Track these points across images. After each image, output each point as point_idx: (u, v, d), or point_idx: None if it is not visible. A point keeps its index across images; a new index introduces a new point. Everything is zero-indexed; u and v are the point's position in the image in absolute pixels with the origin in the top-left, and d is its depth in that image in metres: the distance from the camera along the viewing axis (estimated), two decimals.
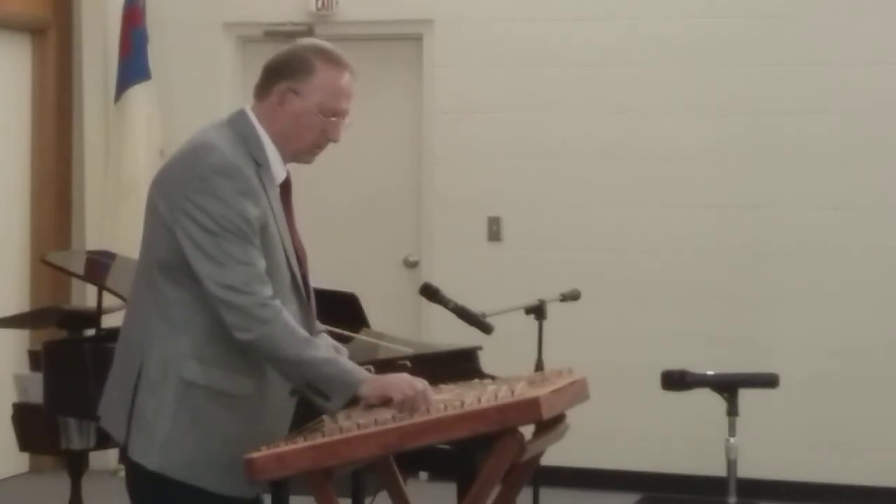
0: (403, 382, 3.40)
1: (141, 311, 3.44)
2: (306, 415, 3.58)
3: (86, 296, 7.36)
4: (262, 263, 3.35)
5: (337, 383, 3.34)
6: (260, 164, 3.43)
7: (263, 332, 3.30)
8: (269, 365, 3.38)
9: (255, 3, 7.94)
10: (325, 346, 3.43)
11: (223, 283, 3.30)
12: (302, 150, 3.52)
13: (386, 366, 4.65)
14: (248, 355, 3.35)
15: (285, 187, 3.54)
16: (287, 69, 3.48)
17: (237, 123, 3.47)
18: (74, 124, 7.97)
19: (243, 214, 3.33)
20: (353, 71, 3.60)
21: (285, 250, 3.46)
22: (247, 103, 3.55)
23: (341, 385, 3.35)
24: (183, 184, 3.36)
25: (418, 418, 3.31)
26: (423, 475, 6.24)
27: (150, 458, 3.37)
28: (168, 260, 3.37)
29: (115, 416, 3.47)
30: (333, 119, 3.52)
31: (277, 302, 3.34)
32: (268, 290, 3.33)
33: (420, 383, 3.40)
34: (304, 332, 3.36)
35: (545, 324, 5.22)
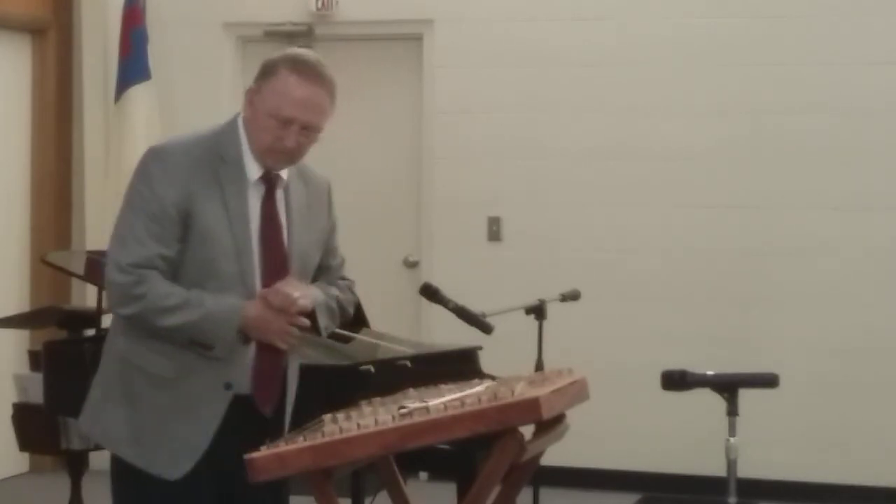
0: (274, 327, 3.58)
1: None
2: (306, 415, 3.58)
3: (86, 296, 7.36)
4: (160, 248, 3.53)
5: (214, 334, 3.54)
6: (225, 160, 3.59)
7: (138, 307, 3.53)
8: (153, 334, 3.57)
9: (255, 3, 7.94)
10: (197, 304, 3.53)
11: (114, 262, 3.54)
12: (260, 151, 3.61)
13: (386, 366, 4.67)
14: (134, 328, 3.58)
15: (268, 190, 3.66)
16: (260, 70, 3.63)
17: (225, 125, 3.68)
18: (74, 124, 7.97)
19: (159, 197, 3.52)
20: (328, 86, 3.66)
21: (237, 246, 3.58)
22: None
23: (218, 335, 3.54)
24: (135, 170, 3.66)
25: (418, 418, 3.30)
26: (423, 475, 6.24)
27: (84, 419, 3.76)
28: None
29: None
30: (281, 126, 3.57)
31: (153, 273, 3.52)
32: (151, 273, 3.52)
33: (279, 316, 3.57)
34: (177, 298, 3.52)
35: (545, 324, 5.22)
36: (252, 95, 3.62)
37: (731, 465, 4.19)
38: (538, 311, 5.22)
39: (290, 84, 3.58)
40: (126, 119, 7.78)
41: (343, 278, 4.01)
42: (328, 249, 3.92)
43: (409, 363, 4.73)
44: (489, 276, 7.53)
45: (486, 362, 5.02)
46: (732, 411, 4.17)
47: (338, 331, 5.08)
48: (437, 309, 5.07)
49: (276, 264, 3.66)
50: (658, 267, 7.44)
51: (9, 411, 6.09)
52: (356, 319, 5.19)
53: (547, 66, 7.57)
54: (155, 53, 7.83)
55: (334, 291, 3.86)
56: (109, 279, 3.57)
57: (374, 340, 5.16)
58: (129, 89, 7.76)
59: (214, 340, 3.55)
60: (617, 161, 7.49)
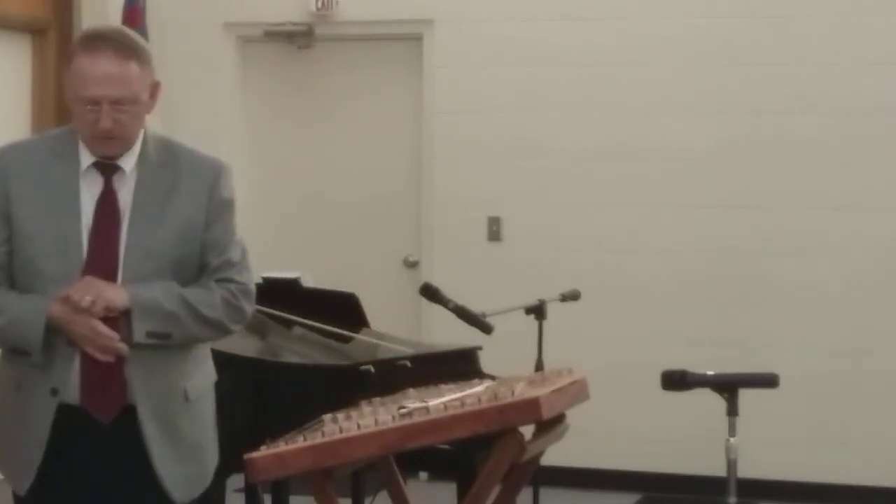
0: (77, 329, 3.33)
1: None
2: (306, 415, 3.58)
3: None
4: None
5: (24, 338, 3.33)
6: (56, 154, 3.46)
7: None
8: None
9: (255, 3, 7.94)
10: (4, 308, 3.36)
11: None
12: (85, 140, 3.45)
13: (386, 366, 4.67)
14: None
15: (106, 181, 3.42)
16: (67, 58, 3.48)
17: None
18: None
19: None
20: (126, 53, 3.49)
21: (64, 241, 3.36)
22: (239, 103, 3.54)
23: (28, 339, 3.33)
24: None
25: (418, 418, 3.30)
26: (423, 475, 6.24)
27: None
28: None
29: None
30: (91, 108, 3.41)
31: None
32: None
33: (88, 319, 3.32)
34: None
35: (545, 324, 5.23)
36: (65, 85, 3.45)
37: (731, 465, 4.19)
38: (538, 311, 5.22)
39: (84, 64, 3.42)
40: None
41: (229, 280, 3.46)
42: (208, 245, 3.45)
43: (409, 363, 4.73)
44: (489, 276, 7.53)
45: (486, 362, 5.02)
46: (732, 411, 4.17)
47: (338, 331, 5.10)
48: (437, 309, 5.07)
49: (102, 260, 3.36)
50: (658, 267, 7.44)
51: None
52: (357, 319, 5.20)
53: (547, 66, 7.57)
54: (155, 53, 7.79)
55: (181, 291, 3.39)
56: None
57: (374, 340, 5.16)
58: None
59: (27, 345, 3.34)
60: (617, 161, 7.49)
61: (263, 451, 3.26)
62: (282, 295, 5.09)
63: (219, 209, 3.47)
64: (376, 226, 7.90)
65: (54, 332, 3.32)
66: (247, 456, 3.25)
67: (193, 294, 3.41)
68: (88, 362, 3.35)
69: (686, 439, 7.25)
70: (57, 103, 7.87)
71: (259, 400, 4.55)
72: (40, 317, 3.32)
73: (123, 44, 3.46)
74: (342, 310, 5.18)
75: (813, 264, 7.26)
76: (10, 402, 3.44)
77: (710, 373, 4.31)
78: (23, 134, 7.79)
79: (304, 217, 7.83)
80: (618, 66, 7.48)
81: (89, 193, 3.40)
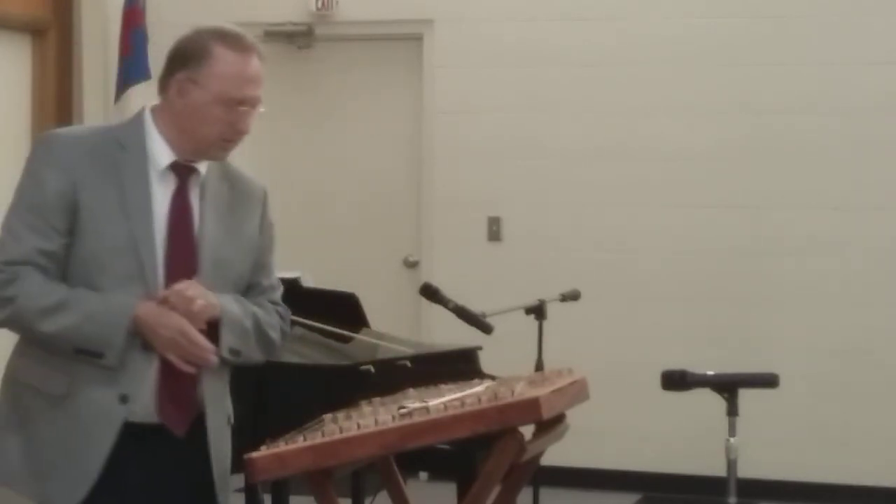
0: (167, 333, 3.13)
1: None
2: (306, 415, 3.58)
3: None
4: (39, 241, 3.11)
5: (101, 338, 3.10)
6: (125, 147, 3.19)
7: (9, 310, 3.10)
8: (37, 342, 3.16)
9: (255, 3, 7.94)
10: (78, 304, 3.11)
11: None
12: (206, 144, 3.22)
13: (386, 366, 4.67)
14: (36, 344, 3.16)
15: (181, 183, 3.24)
16: (184, 57, 3.24)
17: (134, 116, 3.30)
18: (74, 124, 7.97)
19: (41, 185, 3.14)
20: (260, 53, 3.29)
21: (135, 238, 3.15)
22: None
23: (105, 340, 3.10)
24: None
25: (418, 418, 3.30)
26: (423, 475, 6.25)
27: None
28: None
29: None
30: (240, 109, 3.21)
31: (26, 269, 3.10)
32: (24, 270, 3.10)
33: (175, 320, 3.13)
34: (55, 297, 3.10)
35: (545, 324, 5.23)
36: (186, 87, 3.20)
37: (731, 465, 4.19)
38: (538, 311, 5.22)
39: (238, 62, 3.21)
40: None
41: (276, 303, 3.44)
42: (259, 266, 3.40)
43: (409, 363, 4.73)
44: (489, 276, 7.53)
45: (486, 362, 5.02)
46: (732, 411, 4.17)
47: (338, 331, 5.10)
48: (437, 309, 5.07)
49: (183, 260, 3.21)
50: (658, 267, 7.44)
51: None
52: (357, 319, 5.21)
53: (547, 66, 7.57)
54: (155, 53, 7.83)
55: (253, 308, 3.33)
56: None
57: (374, 340, 5.16)
58: (130, 89, 7.76)
59: (102, 346, 3.10)
60: (617, 161, 7.49)
61: (263, 451, 3.26)
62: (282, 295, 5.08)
63: (269, 231, 3.43)
64: (376, 226, 7.90)
65: (131, 335, 3.13)
66: (247, 456, 3.24)
67: (261, 314, 3.36)
68: (166, 371, 3.17)
69: (686, 439, 7.25)
70: (57, 103, 7.87)
71: (259, 400, 4.55)
72: (123, 316, 3.11)
73: (258, 47, 3.34)
74: (342, 310, 5.18)
75: (813, 264, 7.26)
76: (49, 411, 3.16)
77: (710, 373, 4.30)
78: (23, 134, 7.80)
79: (304, 217, 7.83)
80: (618, 66, 7.48)
81: (161, 193, 3.21)
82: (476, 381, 3.95)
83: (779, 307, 7.30)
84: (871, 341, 7.18)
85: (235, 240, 3.30)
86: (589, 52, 7.52)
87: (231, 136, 3.23)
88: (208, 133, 3.20)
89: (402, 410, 3.32)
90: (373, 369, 4.55)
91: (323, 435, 3.30)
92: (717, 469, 4.54)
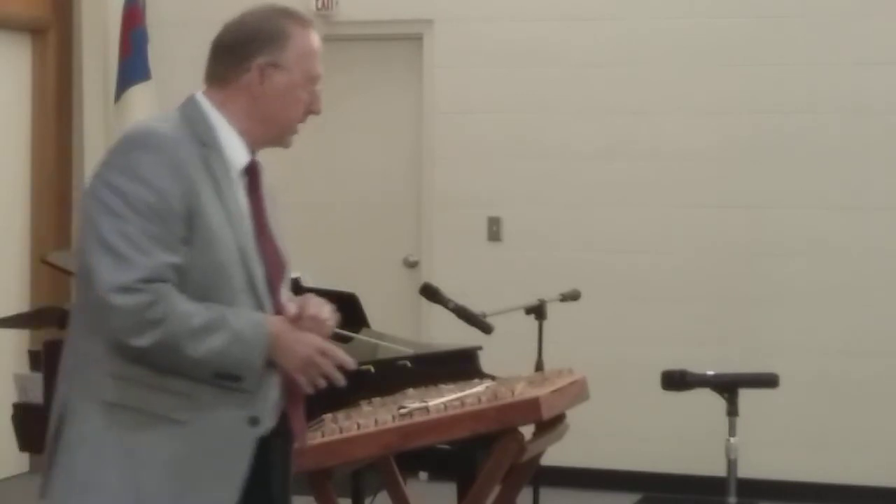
0: (303, 353, 2.93)
1: (71, 330, 2.99)
2: (306, 414, 3.57)
3: None
4: (168, 255, 2.82)
5: (244, 361, 2.86)
6: (207, 144, 2.95)
7: (158, 334, 2.79)
8: (170, 369, 2.84)
9: (255, 4, 7.92)
10: (223, 325, 2.85)
11: (112, 284, 2.77)
12: (287, 129, 3.07)
13: (386, 366, 4.67)
14: (145, 365, 2.84)
15: (253, 180, 3.04)
16: (259, 41, 3.02)
17: (185, 108, 3.04)
18: (74, 124, 7.97)
19: (162, 192, 2.82)
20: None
21: (240, 247, 2.94)
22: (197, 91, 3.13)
23: (248, 362, 2.86)
24: (99, 165, 2.92)
25: (418, 418, 3.30)
26: (423, 475, 6.24)
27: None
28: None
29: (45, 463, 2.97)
30: (316, 88, 3.06)
31: (167, 287, 2.81)
32: (165, 288, 2.81)
33: (312, 339, 2.94)
34: (201, 317, 2.82)
35: (545, 324, 5.23)
36: (268, 72, 3.00)
37: (731, 465, 4.18)
38: (538, 311, 5.22)
39: (313, 41, 3.04)
40: (126, 119, 7.76)
41: None
42: None
43: (409, 363, 4.73)
44: (489, 276, 7.53)
45: (486, 362, 5.02)
46: (732, 411, 4.16)
47: (338, 331, 5.10)
48: (437, 309, 5.07)
49: (273, 267, 3.03)
50: (658, 267, 7.44)
51: (9, 411, 6.08)
52: (357, 319, 5.20)
53: (547, 66, 7.57)
54: (155, 53, 7.83)
55: None
56: (111, 305, 2.77)
57: (374, 340, 5.16)
58: (129, 89, 7.76)
59: (242, 370, 2.86)
60: (617, 161, 7.49)
61: None
62: None
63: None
64: (376, 226, 7.90)
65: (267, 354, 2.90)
66: None
67: None
68: (286, 388, 2.99)
69: (686, 439, 7.25)
70: (57, 103, 7.88)
71: None
72: (262, 336, 2.88)
73: None
74: (342, 309, 5.16)
75: (813, 264, 7.26)
76: (170, 439, 2.85)
77: (710, 373, 4.30)
78: (23, 134, 7.80)
79: (304, 217, 7.82)
80: (618, 66, 7.48)
81: (241, 193, 3.00)
82: (476, 381, 3.96)
83: (779, 307, 7.30)
84: (871, 341, 7.18)
85: (285, 238, 3.16)
86: (589, 52, 7.52)
87: (304, 118, 3.08)
88: (292, 116, 3.05)
89: (402, 410, 3.33)
90: (373, 369, 4.55)
91: (323, 435, 3.30)
92: (717, 469, 4.54)
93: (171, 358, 2.82)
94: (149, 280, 2.78)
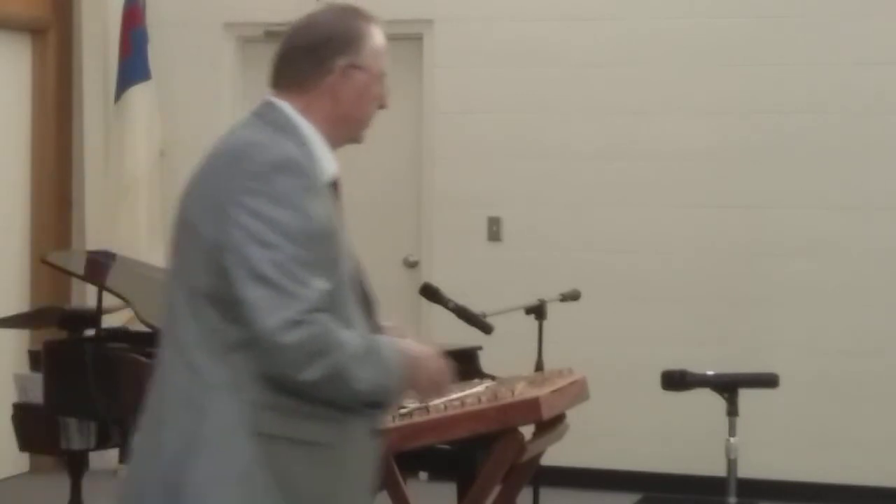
0: (433, 377, 2.97)
1: (185, 356, 2.79)
2: None
3: (86, 296, 7.36)
4: (323, 283, 2.73)
5: (393, 386, 2.84)
6: (311, 158, 2.87)
7: (327, 366, 2.71)
8: (338, 398, 2.78)
9: (255, 3, 7.94)
10: (376, 352, 2.81)
11: (281, 321, 2.66)
12: (363, 126, 3.04)
13: None
14: (311, 397, 2.74)
15: (337, 188, 2.96)
16: (335, 42, 2.99)
17: (268, 115, 2.91)
18: (74, 124, 7.97)
19: (312, 220, 2.74)
20: None
21: (357, 268, 2.94)
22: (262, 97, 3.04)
23: (396, 387, 2.85)
24: (233, 191, 2.74)
25: (418, 418, 3.30)
26: (423, 475, 6.24)
27: None
28: (217, 291, 2.74)
29: (150, 490, 2.79)
30: (385, 83, 3.06)
31: (326, 317, 2.72)
32: (324, 317, 2.72)
33: (441, 362, 2.98)
34: (356, 348, 2.76)
35: (545, 324, 5.22)
36: (349, 72, 2.95)
37: (731, 465, 4.18)
38: (538, 311, 5.22)
39: (380, 36, 3.06)
40: (126, 119, 7.78)
41: None
42: None
43: None
44: (489, 276, 7.53)
45: (486, 362, 5.02)
46: (732, 411, 4.16)
47: None
48: (437, 309, 5.07)
49: (369, 289, 2.99)
50: (658, 267, 7.44)
51: (9, 411, 6.09)
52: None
53: (547, 66, 7.57)
54: (155, 53, 7.83)
55: None
56: (280, 343, 2.66)
57: None
58: (129, 89, 7.76)
59: (389, 398, 2.85)
60: (617, 161, 7.49)
61: None
62: None
63: None
64: (376, 226, 7.90)
65: None
66: None
67: None
68: None
69: (686, 439, 7.25)
70: (57, 103, 7.88)
71: None
72: (401, 364, 2.84)
73: None
74: None
75: (813, 264, 7.26)
76: (327, 468, 2.81)
77: (710, 373, 4.30)
78: (23, 134, 7.80)
79: None
80: (618, 66, 7.48)
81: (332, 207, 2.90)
82: (476, 381, 3.96)
83: (779, 307, 7.30)
84: (871, 341, 7.18)
85: None
86: (589, 52, 7.52)
87: (381, 107, 3.06)
88: (369, 114, 3.03)
89: (402, 410, 3.33)
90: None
91: None
92: (717, 469, 4.54)
93: (333, 388, 2.73)
94: (310, 311, 2.68)
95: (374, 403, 2.82)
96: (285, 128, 2.87)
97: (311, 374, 2.68)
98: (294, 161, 2.78)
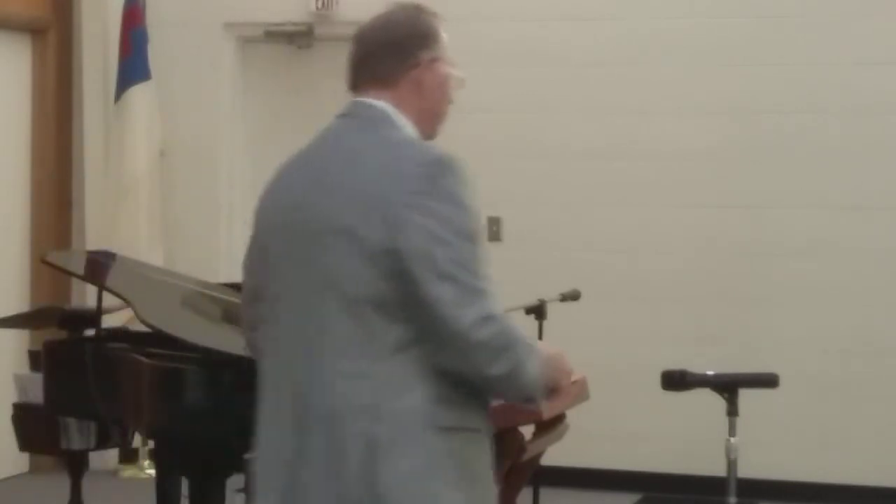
0: (560, 371, 3.05)
1: (342, 363, 2.80)
2: None
3: (86, 296, 7.36)
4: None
5: (542, 381, 2.92)
6: None
7: (510, 361, 2.79)
8: (509, 392, 2.89)
9: (255, 3, 7.94)
10: (531, 348, 2.90)
11: (472, 318, 2.76)
12: (442, 120, 3.14)
13: None
14: (481, 390, 2.85)
15: None
16: (417, 38, 3.10)
17: (371, 116, 3.01)
18: (74, 124, 7.97)
19: (477, 216, 2.88)
20: None
21: None
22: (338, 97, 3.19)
23: (541, 390, 2.94)
24: (401, 192, 2.84)
25: None
26: None
27: None
28: (384, 294, 2.77)
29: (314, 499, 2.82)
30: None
31: (505, 315, 2.87)
32: (505, 315, 2.87)
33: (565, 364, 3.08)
34: (526, 345, 2.87)
35: (545, 324, 5.22)
36: (431, 66, 3.07)
37: (731, 465, 4.18)
38: (538, 311, 5.22)
39: (445, 33, 3.19)
40: (126, 119, 7.78)
41: None
42: None
43: None
44: (489, 276, 7.51)
45: None
46: (732, 411, 4.16)
47: None
48: None
49: None
50: (658, 267, 7.44)
51: (9, 411, 6.09)
52: None
53: (548, 65, 7.57)
54: (155, 53, 7.83)
55: None
56: (474, 341, 2.75)
57: None
58: (129, 89, 7.76)
59: (541, 391, 2.93)
60: (617, 161, 7.49)
61: None
62: None
63: None
64: None
65: None
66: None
67: None
68: None
69: (686, 439, 7.25)
70: (57, 103, 7.88)
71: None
72: (543, 358, 2.92)
73: None
74: None
75: (813, 264, 7.26)
76: (479, 452, 2.88)
77: (710, 373, 4.29)
78: (23, 134, 7.80)
79: None
80: (618, 66, 7.48)
81: None
82: None
83: (779, 307, 7.30)
84: (871, 341, 7.18)
85: None
86: (589, 52, 7.52)
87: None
88: (447, 109, 3.12)
89: None
90: None
91: None
92: (717, 469, 4.54)
93: (509, 382, 2.82)
94: (494, 306, 2.81)
95: (531, 398, 2.89)
96: (395, 125, 2.98)
97: (498, 368, 2.76)
98: (449, 158, 2.92)
